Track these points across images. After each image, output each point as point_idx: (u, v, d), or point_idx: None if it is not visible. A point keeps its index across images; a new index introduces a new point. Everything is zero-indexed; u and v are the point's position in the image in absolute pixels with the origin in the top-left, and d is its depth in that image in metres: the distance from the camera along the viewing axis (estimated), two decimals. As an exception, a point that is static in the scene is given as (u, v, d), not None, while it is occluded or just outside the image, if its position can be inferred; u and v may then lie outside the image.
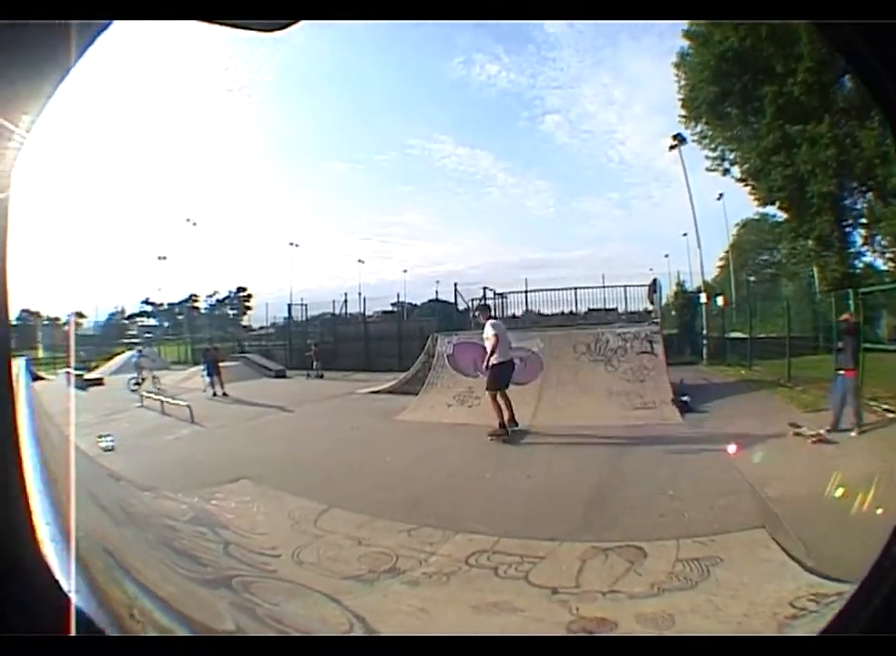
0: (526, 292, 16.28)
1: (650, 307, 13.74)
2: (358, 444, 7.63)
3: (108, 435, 7.61)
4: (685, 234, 20.45)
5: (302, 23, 0.96)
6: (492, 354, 7.58)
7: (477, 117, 42.02)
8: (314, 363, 16.77)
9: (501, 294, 15.78)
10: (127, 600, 1.16)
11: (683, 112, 19.66)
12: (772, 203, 19.50)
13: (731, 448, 5.98)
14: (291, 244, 27.40)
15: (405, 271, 35.38)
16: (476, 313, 8.49)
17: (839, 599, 2.00)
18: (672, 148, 19.16)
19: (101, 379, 17.27)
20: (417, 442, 7.56)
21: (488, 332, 7.75)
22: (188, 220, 25.87)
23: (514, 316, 16.42)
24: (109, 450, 7.22)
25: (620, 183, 39.62)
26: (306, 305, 21.43)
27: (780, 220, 21.18)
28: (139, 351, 19.64)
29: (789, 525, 3.96)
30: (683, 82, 19.53)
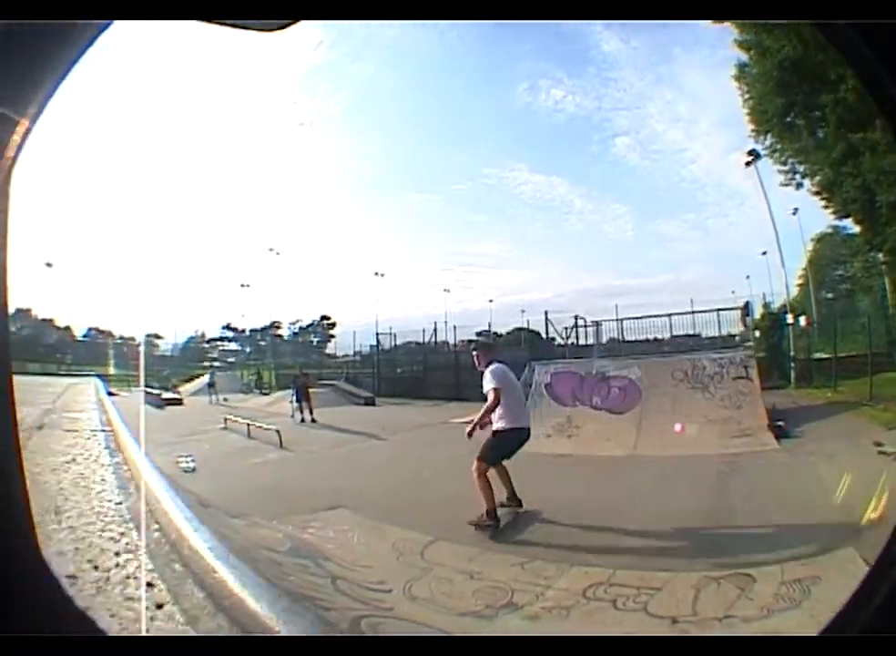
0: (619, 319, 15.33)
1: (739, 331, 13.61)
2: (456, 475, 6.45)
3: (189, 456, 7.23)
4: (764, 252, 19.46)
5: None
6: (485, 416, 5.49)
7: (549, 144, 41.10)
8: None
9: (596, 322, 14.97)
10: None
11: (752, 126, 18.44)
12: (847, 216, 18.20)
13: (820, 470, 6.05)
14: (377, 274, 26.56)
15: (491, 300, 34.12)
16: (475, 352, 6.11)
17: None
18: (748, 164, 18.21)
19: (181, 399, 17.22)
20: (519, 474, 6.37)
21: (487, 384, 5.52)
22: (270, 249, 25.12)
23: (601, 343, 15.78)
24: (190, 471, 6.87)
25: (695, 203, 38.31)
26: (395, 334, 20.74)
27: (853, 232, 19.83)
28: (212, 372, 20.24)
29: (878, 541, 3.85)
30: (748, 95, 18.36)
